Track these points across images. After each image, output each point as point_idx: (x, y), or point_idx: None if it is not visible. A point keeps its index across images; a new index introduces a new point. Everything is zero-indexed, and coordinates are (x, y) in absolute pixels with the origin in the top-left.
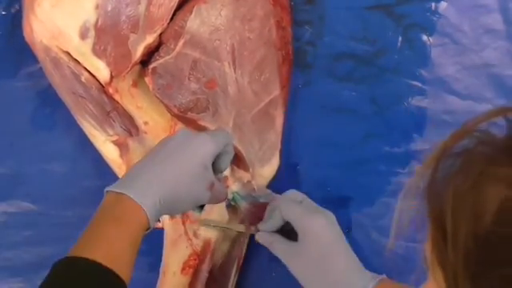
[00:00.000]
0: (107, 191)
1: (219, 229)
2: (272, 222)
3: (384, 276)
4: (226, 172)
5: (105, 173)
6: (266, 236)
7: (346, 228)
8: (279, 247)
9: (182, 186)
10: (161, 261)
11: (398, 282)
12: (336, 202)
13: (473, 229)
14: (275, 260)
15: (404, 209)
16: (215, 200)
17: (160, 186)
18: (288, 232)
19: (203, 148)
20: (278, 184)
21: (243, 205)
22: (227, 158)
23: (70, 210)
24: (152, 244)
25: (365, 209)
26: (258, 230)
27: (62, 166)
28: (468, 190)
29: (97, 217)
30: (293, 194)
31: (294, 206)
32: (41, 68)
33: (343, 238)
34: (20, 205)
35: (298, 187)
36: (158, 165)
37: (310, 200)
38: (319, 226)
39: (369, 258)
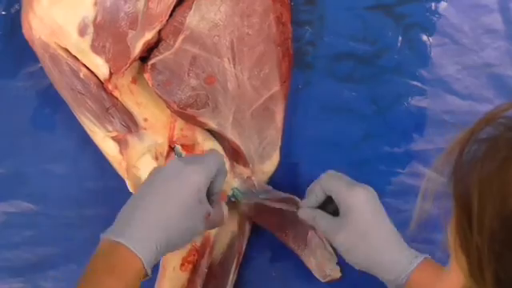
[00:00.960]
0: (103, 238)
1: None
2: (313, 196)
3: (427, 255)
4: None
5: (105, 173)
6: (308, 211)
7: None
8: (322, 222)
9: (177, 227)
10: (160, 261)
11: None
12: None
13: (499, 209)
14: (275, 260)
15: (427, 193)
16: (212, 226)
17: (155, 230)
18: (330, 210)
19: (195, 181)
20: (278, 183)
21: (243, 201)
22: (221, 179)
23: (70, 210)
24: None
25: None
26: (298, 208)
27: (63, 166)
28: (495, 173)
29: (92, 265)
30: (331, 172)
31: (335, 180)
32: (41, 68)
33: (385, 213)
34: (20, 205)
35: (298, 187)
36: (150, 207)
37: (348, 177)
38: (361, 200)
39: None
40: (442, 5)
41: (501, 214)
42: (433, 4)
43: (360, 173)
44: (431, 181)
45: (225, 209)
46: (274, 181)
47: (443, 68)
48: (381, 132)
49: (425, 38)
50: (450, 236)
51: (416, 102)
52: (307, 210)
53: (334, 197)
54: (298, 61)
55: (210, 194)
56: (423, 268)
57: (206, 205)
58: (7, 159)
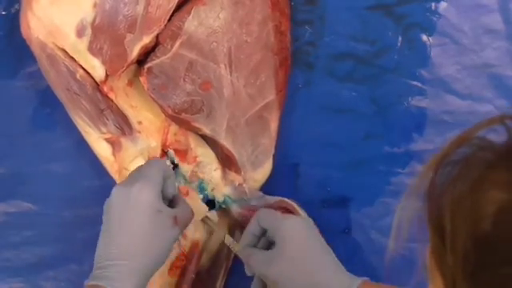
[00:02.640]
0: (86, 285)
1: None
2: (251, 234)
3: (366, 278)
4: (217, 176)
5: (105, 173)
6: (243, 251)
7: (346, 228)
8: (255, 258)
9: (152, 249)
10: None
11: (398, 282)
12: (336, 202)
13: (472, 230)
14: None
15: (404, 212)
16: (186, 224)
17: (133, 263)
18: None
19: (146, 200)
20: (277, 184)
21: (234, 208)
22: (172, 181)
23: (70, 210)
24: None
25: (365, 209)
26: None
27: (62, 166)
28: (467, 194)
29: None
30: (267, 209)
31: (269, 212)
32: None
33: (321, 240)
34: (20, 205)
35: (297, 187)
36: (120, 241)
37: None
38: (293, 229)
39: (369, 258)
40: (442, 5)
41: (473, 235)
42: (433, 4)
43: (360, 173)
44: (406, 208)
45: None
46: (274, 181)
47: (443, 68)
48: (381, 132)
49: (425, 38)
50: (427, 257)
51: (416, 101)
52: (243, 249)
53: (269, 231)
54: (298, 61)
55: (168, 198)
56: None
57: (168, 211)
58: (7, 159)
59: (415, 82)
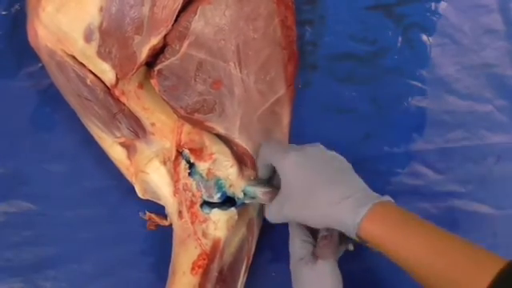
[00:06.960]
0: None
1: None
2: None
3: (385, 199)
4: (234, 172)
5: (105, 173)
6: (248, 189)
7: None
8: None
9: None
10: (161, 261)
11: (400, 279)
12: None
13: None
14: (275, 260)
15: None
16: None
17: None
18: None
19: None
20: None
21: (260, 191)
22: None
23: (70, 210)
24: (152, 244)
25: None
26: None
27: (63, 166)
28: None
29: None
30: (268, 142)
31: (271, 148)
32: (41, 68)
33: (324, 169)
34: (20, 205)
35: None
36: None
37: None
38: (290, 163)
39: (369, 257)
40: (442, 5)
41: None
42: (433, 4)
43: (360, 173)
44: None
45: None
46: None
47: (443, 68)
48: (381, 132)
49: (425, 37)
50: None
51: (416, 101)
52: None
53: (275, 167)
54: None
55: None
56: (372, 218)
57: None
58: (7, 159)
59: (415, 82)
